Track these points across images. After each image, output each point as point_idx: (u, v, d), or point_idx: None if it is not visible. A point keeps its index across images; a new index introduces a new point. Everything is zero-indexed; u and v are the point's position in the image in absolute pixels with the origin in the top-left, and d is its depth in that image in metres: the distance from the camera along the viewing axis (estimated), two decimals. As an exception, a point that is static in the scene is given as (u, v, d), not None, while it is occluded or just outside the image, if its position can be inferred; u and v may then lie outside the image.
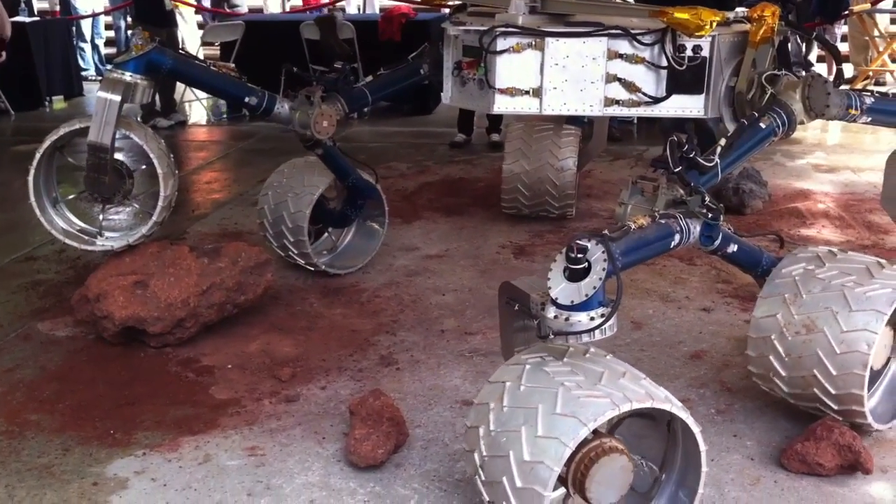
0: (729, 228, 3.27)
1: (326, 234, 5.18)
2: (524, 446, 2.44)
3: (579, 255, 2.62)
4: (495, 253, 5.41)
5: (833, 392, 3.12)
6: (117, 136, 4.06)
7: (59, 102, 11.03)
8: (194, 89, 9.82)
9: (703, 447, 2.63)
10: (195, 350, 4.10)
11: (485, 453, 2.56)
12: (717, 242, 3.21)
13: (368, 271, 5.07)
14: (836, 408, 3.15)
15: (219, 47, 10.28)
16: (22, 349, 4.16)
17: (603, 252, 2.64)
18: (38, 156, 4.19)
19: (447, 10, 10.88)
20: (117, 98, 4.00)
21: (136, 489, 3.06)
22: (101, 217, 4.35)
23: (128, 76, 4.02)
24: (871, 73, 11.35)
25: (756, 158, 5.76)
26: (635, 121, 9.05)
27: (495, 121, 8.36)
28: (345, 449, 3.21)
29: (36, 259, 5.40)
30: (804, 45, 3.89)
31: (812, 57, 10.75)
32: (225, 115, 10.24)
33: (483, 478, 2.58)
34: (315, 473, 3.14)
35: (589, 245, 2.65)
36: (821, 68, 10.91)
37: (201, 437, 3.37)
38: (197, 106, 10.49)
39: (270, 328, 4.34)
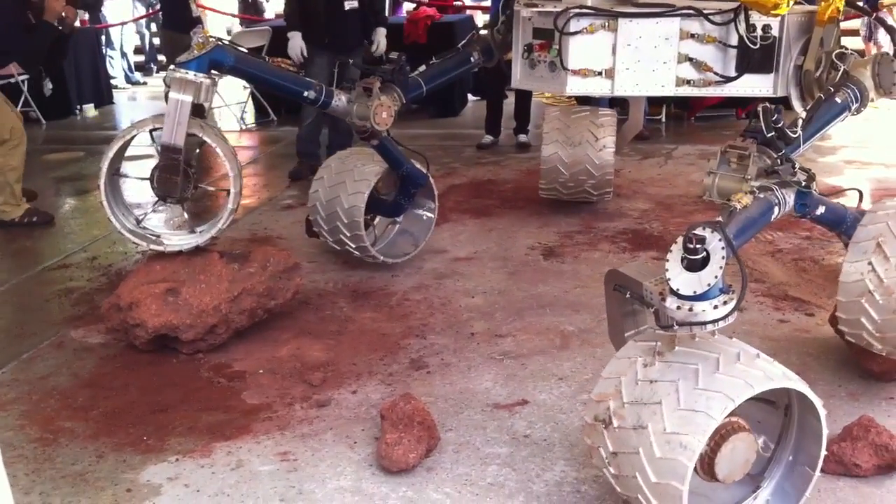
0: (815, 191, 3.28)
1: (371, 228, 5.18)
2: (666, 417, 2.46)
3: (698, 246, 2.62)
4: (524, 255, 5.39)
5: None
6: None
7: (89, 110, 11.13)
8: (222, 95, 9.94)
9: (825, 430, 2.67)
10: (227, 356, 4.12)
11: (612, 449, 2.58)
12: (809, 208, 3.25)
13: (397, 274, 5.07)
14: None
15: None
16: (55, 356, 4.20)
17: (720, 240, 2.64)
18: (128, 135, 4.15)
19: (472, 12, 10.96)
20: (188, 98, 4.01)
21: (170, 495, 3.07)
22: (148, 212, 4.39)
23: (192, 75, 4.03)
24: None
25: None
26: (664, 119, 9.04)
27: (523, 122, 8.34)
28: (376, 453, 3.20)
29: (68, 267, 5.45)
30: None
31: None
32: (253, 121, 10.29)
33: (613, 472, 2.60)
34: (347, 478, 3.13)
35: (706, 234, 2.64)
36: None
37: (233, 443, 3.38)
38: (226, 112, 10.53)
39: (301, 333, 4.35)
